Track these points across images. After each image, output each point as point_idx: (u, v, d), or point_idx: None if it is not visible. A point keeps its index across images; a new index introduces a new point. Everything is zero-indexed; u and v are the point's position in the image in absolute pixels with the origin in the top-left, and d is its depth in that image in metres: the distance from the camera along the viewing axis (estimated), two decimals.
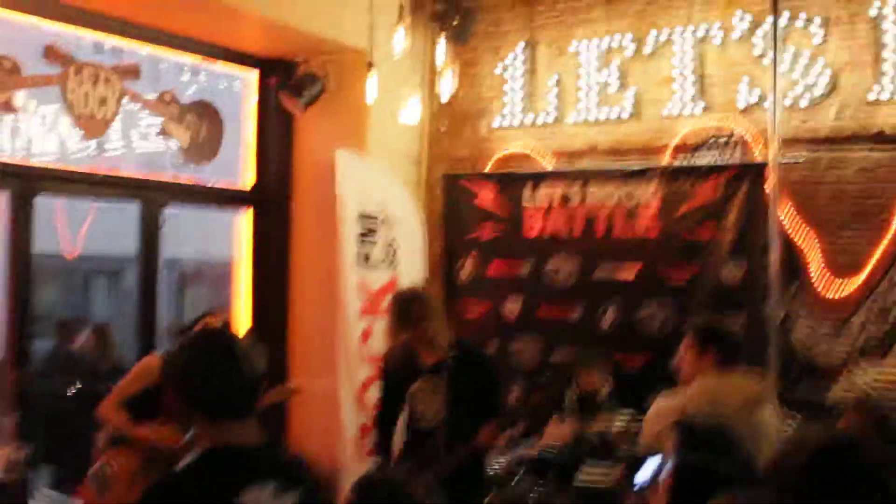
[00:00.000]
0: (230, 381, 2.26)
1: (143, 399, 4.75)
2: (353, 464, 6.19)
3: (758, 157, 5.78)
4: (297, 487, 2.28)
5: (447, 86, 6.28)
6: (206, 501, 2.14)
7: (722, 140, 5.97)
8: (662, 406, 3.67)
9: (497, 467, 5.26)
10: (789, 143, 5.60)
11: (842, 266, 5.50)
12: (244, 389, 2.30)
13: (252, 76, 7.08)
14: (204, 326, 4.79)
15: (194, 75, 6.89)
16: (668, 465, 2.45)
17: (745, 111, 5.90)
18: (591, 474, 5.16)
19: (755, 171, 5.66)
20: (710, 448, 2.47)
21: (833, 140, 5.58)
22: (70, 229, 9.84)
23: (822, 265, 5.55)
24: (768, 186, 5.33)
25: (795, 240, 5.61)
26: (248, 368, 2.29)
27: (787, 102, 5.62)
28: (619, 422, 5.04)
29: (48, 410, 6.72)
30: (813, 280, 5.56)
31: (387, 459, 4.59)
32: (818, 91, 5.62)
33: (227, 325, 4.93)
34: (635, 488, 2.78)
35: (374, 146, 6.79)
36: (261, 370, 2.33)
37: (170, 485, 2.29)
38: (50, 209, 8.68)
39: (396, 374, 4.53)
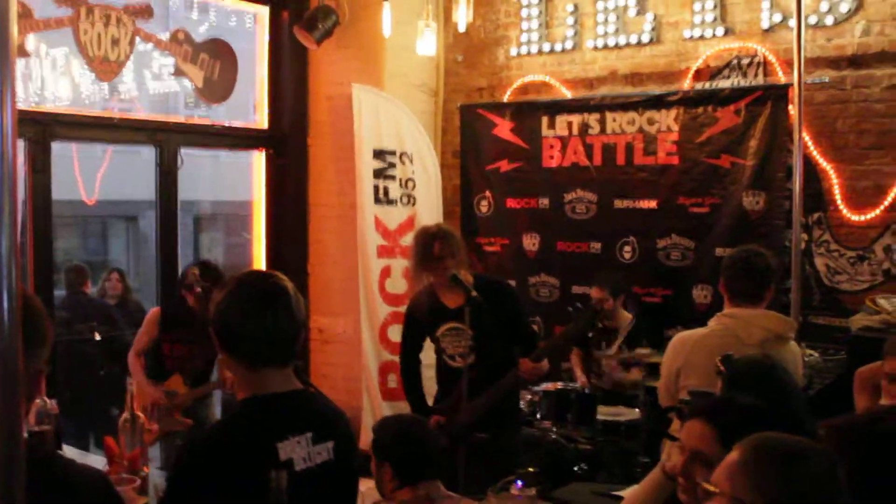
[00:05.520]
0: (272, 329, 2.21)
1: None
2: (374, 402, 6.25)
3: (781, 79, 5.64)
4: (331, 438, 2.31)
5: (463, 15, 6.14)
6: (246, 453, 2.15)
7: (745, 62, 5.83)
8: (681, 341, 3.62)
9: (522, 404, 5.28)
10: (814, 62, 5.47)
11: (865, 192, 5.38)
12: (286, 337, 2.25)
13: (264, 11, 6.96)
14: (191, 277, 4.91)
15: (205, 13, 6.78)
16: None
17: (767, 32, 5.74)
18: (611, 412, 5.18)
19: (779, 94, 5.52)
20: (757, 384, 2.43)
21: (859, 58, 5.43)
22: (87, 175, 9.80)
23: (845, 191, 5.44)
24: (793, 108, 5.20)
25: (818, 165, 5.50)
26: (289, 316, 2.24)
27: (812, 21, 5.46)
28: (639, 357, 5.02)
29: (72, 358, 6.81)
30: (835, 207, 5.46)
31: (416, 403, 4.61)
32: (844, 8, 5.44)
33: (210, 270, 4.94)
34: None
35: (390, 79, 6.70)
36: (302, 317, 2.28)
37: (212, 437, 2.31)
38: (67, 155, 8.64)
39: (422, 320, 4.52)
